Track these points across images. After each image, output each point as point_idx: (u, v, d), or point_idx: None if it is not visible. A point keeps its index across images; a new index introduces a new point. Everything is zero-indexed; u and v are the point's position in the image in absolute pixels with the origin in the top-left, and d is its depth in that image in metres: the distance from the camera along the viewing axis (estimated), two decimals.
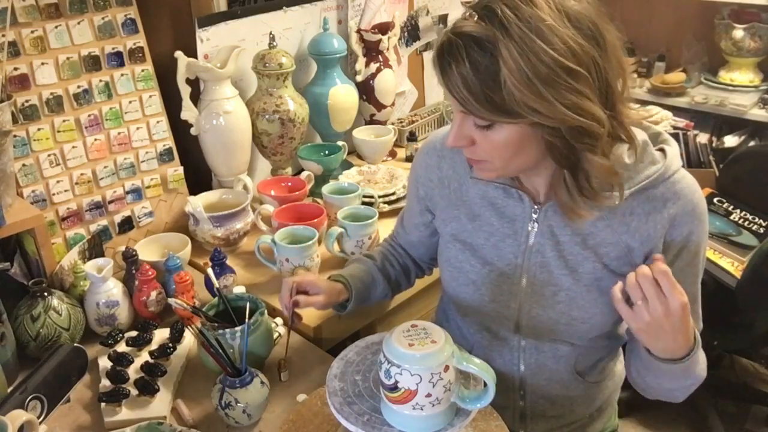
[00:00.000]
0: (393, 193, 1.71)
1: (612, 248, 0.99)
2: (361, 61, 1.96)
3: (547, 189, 1.00)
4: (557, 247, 1.00)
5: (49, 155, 1.39)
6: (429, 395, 0.80)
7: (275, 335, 1.23)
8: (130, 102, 1.50)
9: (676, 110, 2.41)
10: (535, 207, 1.01)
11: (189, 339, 1.26)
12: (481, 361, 0.82)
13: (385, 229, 1.61)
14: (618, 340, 1.12)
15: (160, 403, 1.10)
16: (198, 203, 1.51)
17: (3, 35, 1.27)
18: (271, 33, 1.70)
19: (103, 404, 1.09)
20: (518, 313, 1.05)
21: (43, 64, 1.37)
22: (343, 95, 1.86)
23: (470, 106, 0.86)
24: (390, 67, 1.99)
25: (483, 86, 0.83)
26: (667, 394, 1.03)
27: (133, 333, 1.25)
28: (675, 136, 2.28)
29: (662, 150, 0.99)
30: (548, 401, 1.12)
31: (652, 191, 0.96)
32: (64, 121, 1.41)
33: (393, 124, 2.13)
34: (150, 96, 1.54)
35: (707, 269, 1.81)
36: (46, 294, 1.21)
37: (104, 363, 1.19)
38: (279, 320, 1.30)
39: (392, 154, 2.06)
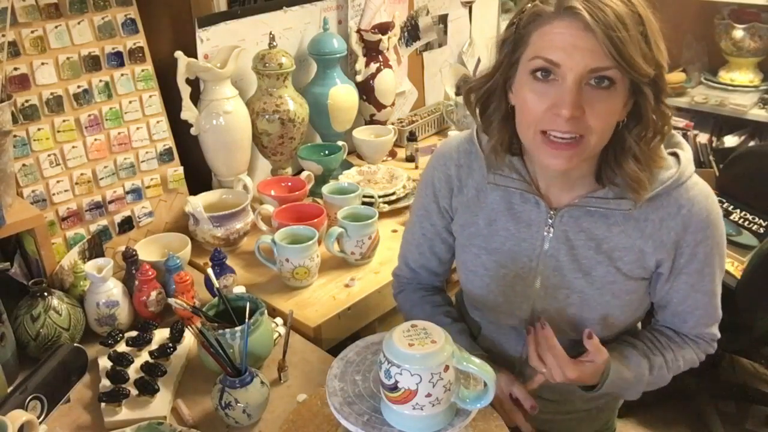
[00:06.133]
0: (393, 193, 1.71)
1: (626, 253, 0.99)
2: (361, 61, 1.96)
3: (571, 185, 1.00)
4: (571, 251, 1.01)
5: (49, 155, 1.39)
6: (429, 395, 0.79)
7: (275, 335, 1.23)
8: (130, 102, 1.50)
9: (676, 110, 2.39)
10: (551, 212, 1.02)
11: (189, 339, 1.26)
12: (481, 361, 0.82)
13: (384, 229, 1.61)
14: (619, 335, 1.12)
15: (160, 403, 1.10)
16: (198, 203, 1.51)
17: (3, 35, 1.27)
18: (271, 33, 1.70)
19: (103, 404, 1.09)
20: (530, 313, 1.07)
21: (43, 64, 1.37)
22: (343, 95, 1.86)
23: (623, 52, 0.82)
24: (390, 67, 1.99)
25: (637, 27, 0.83)
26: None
27: (133, 333, 1.24)
28: None
29: (675, 154, 0.99)
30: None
31: (666, 197, 0.97)
32: (64, 121, 1.41)
33: (393, 124, 2.13)
34: (150, 96, 1.54)
35: None
36: (46, 294, 1.21)
37: (104, 363, 1.19)
38: (279, 320, 1.30)
39: (392, 154, 2.06)
